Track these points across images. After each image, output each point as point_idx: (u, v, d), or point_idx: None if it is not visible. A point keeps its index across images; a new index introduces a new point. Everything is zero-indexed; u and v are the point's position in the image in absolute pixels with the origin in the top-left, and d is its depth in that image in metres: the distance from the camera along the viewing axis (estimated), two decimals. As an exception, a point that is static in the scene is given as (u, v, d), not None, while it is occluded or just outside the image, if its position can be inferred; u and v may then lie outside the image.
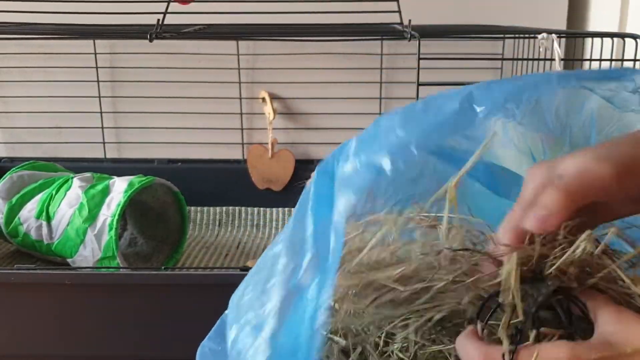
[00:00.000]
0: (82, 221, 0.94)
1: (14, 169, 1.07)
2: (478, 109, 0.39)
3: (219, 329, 0.52)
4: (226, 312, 0.53)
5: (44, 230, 0.97)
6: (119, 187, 0.97)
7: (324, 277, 0.37)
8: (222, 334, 0.51)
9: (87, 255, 0.94)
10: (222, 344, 0.50)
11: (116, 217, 0.93)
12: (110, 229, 0.93)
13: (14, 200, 1.01)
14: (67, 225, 0.96)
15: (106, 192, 0.97)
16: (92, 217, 0.94)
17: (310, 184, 0.41)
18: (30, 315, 0.88)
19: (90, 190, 0.98)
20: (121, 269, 0.95)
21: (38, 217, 0.98)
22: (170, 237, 1.09)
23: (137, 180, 0.98)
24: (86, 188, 0.98)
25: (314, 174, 0.41)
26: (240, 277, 0.94)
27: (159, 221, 1.09)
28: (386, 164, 0.38)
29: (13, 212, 1.00)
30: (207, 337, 0.52)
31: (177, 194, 1.06)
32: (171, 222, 1.09)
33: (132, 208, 1.08)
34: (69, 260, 0.97)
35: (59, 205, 0.97)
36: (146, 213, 1.09)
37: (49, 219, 0.97)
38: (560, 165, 0.36)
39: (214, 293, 0.88)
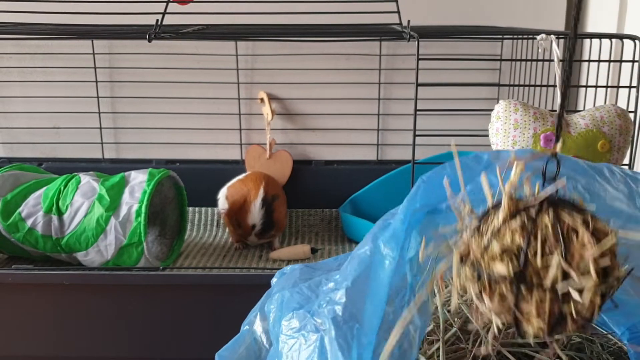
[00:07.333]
0: (105, 210, 0.96)
1: (1, 169, 1.08)
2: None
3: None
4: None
5: (54, 224, 0.99)
6: (138, 178, 1.00)
7: None
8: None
9: (109, 243, 0.96)
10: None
11: (144, 203, 0.96)
12: (138, 216, 0.95)
13: (9, 196, 1.01)
14: (85, 215, 0.97)
15: (123, 183, 1.00)
16: (114, 207, 0.97)
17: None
18: (27, 316, 0.88)
19: (106, 182, 1.00)
20: (118, 270, 0.95)
21: (47, 211, 0.99)
22: (168, 233, 1.10)
23: (155, 171, 1.01)
24: (101, 181, 1.01)
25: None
26: (237, 278, 0.93)
27: (156, 217, 1.09)
28: None
29: (9, 207, 1.01)
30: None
31: (181, 189, 1.08)
32: (169, 218, 1.10)
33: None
34: (79, 254, 0.98)
35: (72, 198, 0.99)
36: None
37: (60, 213, 0.99)
38: None
39: (212, 293, 0.88)
